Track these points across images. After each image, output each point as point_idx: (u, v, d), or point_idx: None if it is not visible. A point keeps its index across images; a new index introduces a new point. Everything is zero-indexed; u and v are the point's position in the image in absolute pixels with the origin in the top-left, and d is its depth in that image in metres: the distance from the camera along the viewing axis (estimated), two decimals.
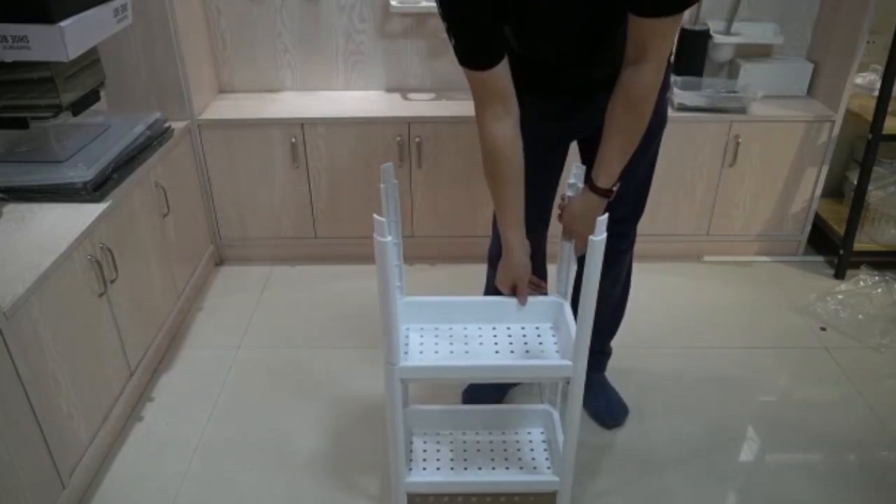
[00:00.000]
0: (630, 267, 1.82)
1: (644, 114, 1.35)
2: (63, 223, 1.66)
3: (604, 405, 1.89)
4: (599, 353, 1.91)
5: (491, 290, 1.80)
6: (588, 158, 1.62)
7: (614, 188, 1.43)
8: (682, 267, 2.59)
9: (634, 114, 1.35)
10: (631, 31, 1.27)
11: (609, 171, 1.40)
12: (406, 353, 1.46)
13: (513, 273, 1.50)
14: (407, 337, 1.50)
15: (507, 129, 1.39)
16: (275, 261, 2.62)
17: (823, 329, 2.26)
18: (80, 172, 1.77)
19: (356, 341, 2.19)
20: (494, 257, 1.72)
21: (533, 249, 1.78)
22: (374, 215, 1.20)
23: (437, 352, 1.46)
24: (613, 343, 1.93)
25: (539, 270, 1.83)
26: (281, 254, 2.62)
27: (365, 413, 1.92)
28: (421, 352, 1.46)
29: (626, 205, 1.65)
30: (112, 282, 1.78)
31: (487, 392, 1.90)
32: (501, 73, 1.34)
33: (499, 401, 1.92)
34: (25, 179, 1.76)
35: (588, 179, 1.44)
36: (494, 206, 1.49)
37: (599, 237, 1.23)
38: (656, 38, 1.27)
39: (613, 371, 2.05)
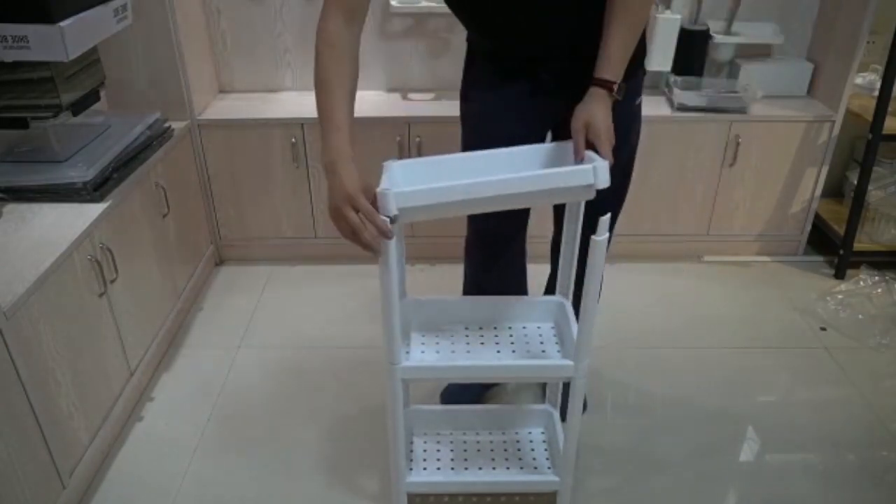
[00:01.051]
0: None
1: None
2: (63, 223, 1.66)
3: None
4: None
5: (470, 284, 1.82)
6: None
7: (617, 86, 1.36)
8: (682, 267, 2.59)
9: None
10: None
11: (612, 62, 1.35)
12: (407, 352, 1.46)
13: (343, 193, 1.18)
14: (408, 337, 1.50)
15: (342, 29, 1.28)
16: (275, 261, 2.62)
17: (823, 329, 2.26)
18: (80, 172, 1.76)
19: (356, 341, 2.19)
20: (471, 247, 1.74)
21: (513, 264, 1.76)
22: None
23: (438, 352, 1.46)
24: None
25: (521, 286, 1.85)
26: (281, 254, 2.62)
27: (366, 413, 1.92)
28: (422, 352, 1.46)
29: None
30: (112, 282, 1.78)
31: (465, 392, 1.90)
32: None
33: (476, 401, 1.91)
34: (25, 179, 1.76)
35: (592, 79, 1.37)
36: (318, 111, 1.27)
37: (601, 237, 1.23)
38: None
39: (613, 370, 2.05)
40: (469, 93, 1.62)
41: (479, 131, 1.61)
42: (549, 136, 1.63)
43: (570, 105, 1.41)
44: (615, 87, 1.36)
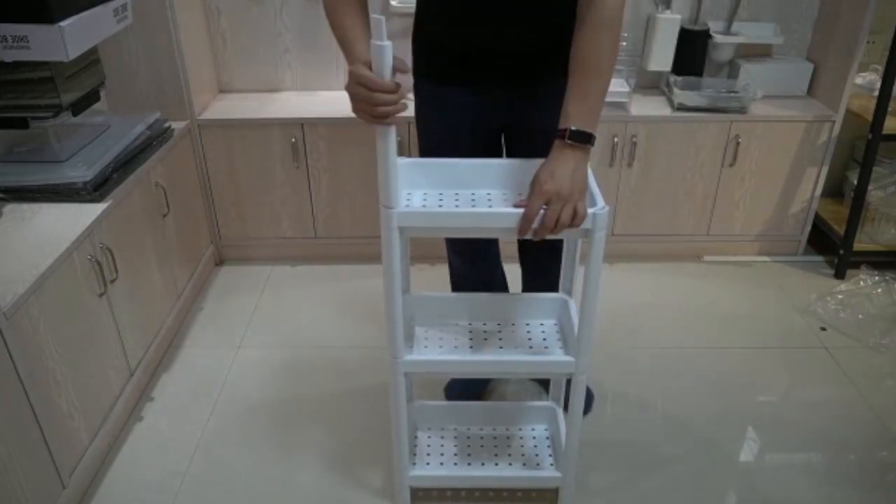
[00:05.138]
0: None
1: (617, 33, 1.24)
2: (63, 223, 1.66)
3: None
4: None
5: (457, 283, 1.84)
6: (514, 154, 1.62)
7: (569, 132, 1.22)
8: (682, 267, 2.59)
9: (608, 31, 1.22)
10: None
11: (587, 109, 1.21)
12: (410, 346, 1.46)
13: (349, 77, 1.16)
14: (412, 331, 1.50)
15: None
16: (275, 261, 2.62)
17: (823, 329, 2.26)
18: (80, 172, 1.76)
19: (356, 341, 2.19)
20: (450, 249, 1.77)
21: (490, 274, 1.77)
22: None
23: (441, 346, 1.47)
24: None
25: (503, 282, 1.87)
26: (281, 254, 2.62)
27: (367, 410, 1.91)
28: (425, 346, 1.47)
29: None
30: (112, 282, 1.77)
31: (467, 387, 1.90)
32: None
33: (479, 397, 1.92)
34: (25, 179, 1.76)
35: (559, 132, 1.23)
36: (339, 40, 1.27)
37: (599, 233, 1.23)
38: None
39: (615, 370, 2.05)
40: (421, 85, 1.58)
41: (435, 121, 1.59)
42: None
43: (521, 95, 1.49)
44: (566, 134, 1.23)
